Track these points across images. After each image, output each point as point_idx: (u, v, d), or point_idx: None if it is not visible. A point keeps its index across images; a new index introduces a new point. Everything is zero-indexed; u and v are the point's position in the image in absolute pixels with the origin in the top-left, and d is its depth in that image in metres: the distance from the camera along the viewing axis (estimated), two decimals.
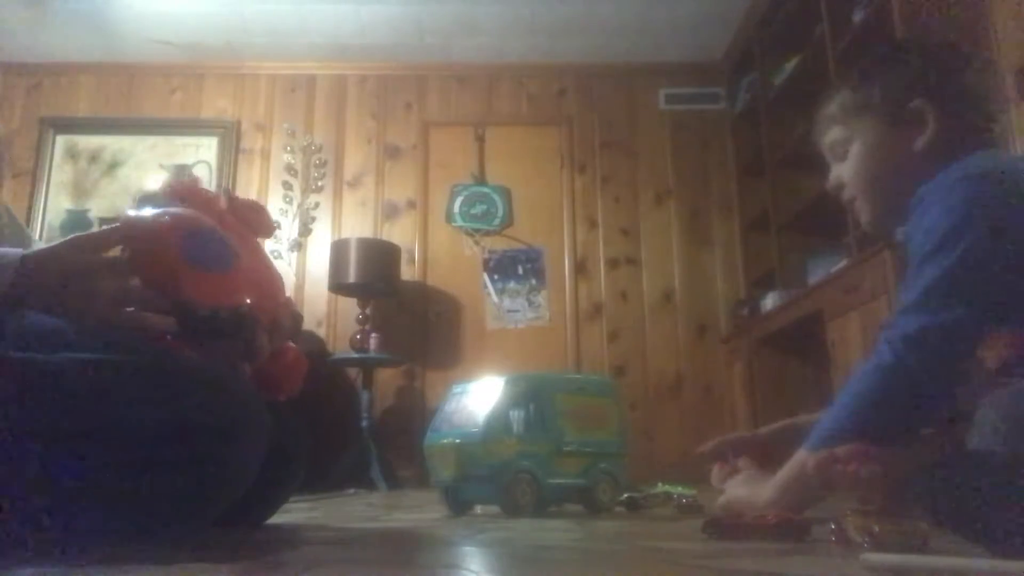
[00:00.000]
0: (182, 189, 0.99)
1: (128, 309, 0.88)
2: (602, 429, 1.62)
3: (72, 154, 4.39)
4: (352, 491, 3.15)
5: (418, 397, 4.07)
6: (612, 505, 1.60)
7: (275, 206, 4.34)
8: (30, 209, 4.24)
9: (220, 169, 4.36)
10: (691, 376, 4.14)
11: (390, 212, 4.35)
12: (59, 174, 4.34)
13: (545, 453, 1.51)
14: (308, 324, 4.05)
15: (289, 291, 4.19)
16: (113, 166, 4.34)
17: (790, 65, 3.63)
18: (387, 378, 4.05)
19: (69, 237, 0.88)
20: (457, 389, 1.66)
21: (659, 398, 4.11)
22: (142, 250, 0.88)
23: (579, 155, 4.43)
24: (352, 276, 3.71)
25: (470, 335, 4.18)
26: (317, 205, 4.35)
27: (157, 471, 0.82)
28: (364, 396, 3.68)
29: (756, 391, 3.63)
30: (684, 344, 4.19)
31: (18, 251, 0.87)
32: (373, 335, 3.73)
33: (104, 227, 0.92)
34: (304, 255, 4.28)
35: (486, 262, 4.27)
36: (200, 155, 4.39)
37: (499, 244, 4.30)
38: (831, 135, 1.11)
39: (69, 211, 4.30)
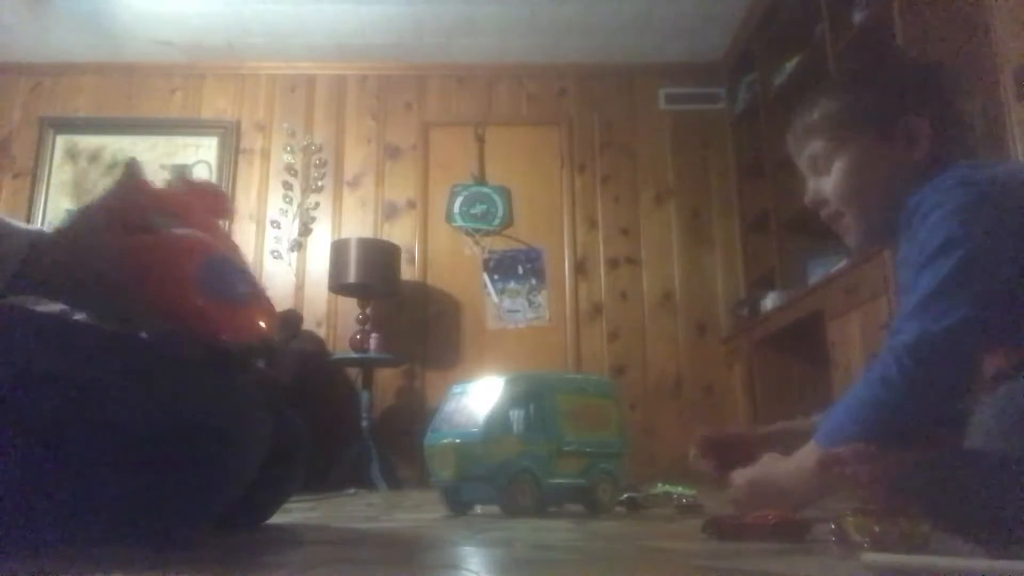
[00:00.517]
0: (172, 201, 0.97)
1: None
2: (602, 429, 1.62)
3: (72, 154, 4.39)
4: (352, 491, 3.15)
5: (418, 397, 4.07)
6: (612, 505, 1.60)
7: (275, 206, 4.34)
8: (30, 209, 4.24)
9: (220, 169, 4.36)
10: (691, 376, 4.14)
11: (390, 212, 4.35)
12: (59, 174, 4.33)
13: (545, 453, 1.51)
14: (308, 324, 4.05)
15: (289, 291, 4.19)
16: (113, 166, 4.33)
17: (790, 65, 3.63)
18: (387, 378, 4.05)
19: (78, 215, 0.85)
20: (457, 389, 1.66)
21: (659, 398, 4.10)
22: (158, 278, 0.85)
23: (579, 155, 4.43)
24: (352, 276, 3.71)
25: (470, 335, 4.18)
26: (317, 205, 4.35)
27: (157, 471, 0.82)
28: (364, 396, 3.68)
29: (756, 391, 3.63)
30: (684, 344, 4.19)
31: (28, 233, 0.84)
32: (373, 335, 3.73)
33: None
34: (304, 255, 4.28)
35: (486, 262, 4.27)
36: (200, 155, 4.39)
37: (499, 244, 4.30)
38: (812, 148, 1.07)
39: (69, 211, 4.30)
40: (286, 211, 4.33)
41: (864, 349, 2.57)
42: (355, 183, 4.39)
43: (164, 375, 0.86)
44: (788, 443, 1.14)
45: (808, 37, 3.43)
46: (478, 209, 4.33)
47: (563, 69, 4.52)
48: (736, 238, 4.27)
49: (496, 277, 4.25)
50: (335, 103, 4.50)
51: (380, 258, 3.81)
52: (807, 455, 0.96)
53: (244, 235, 4.27)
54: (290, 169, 4.38)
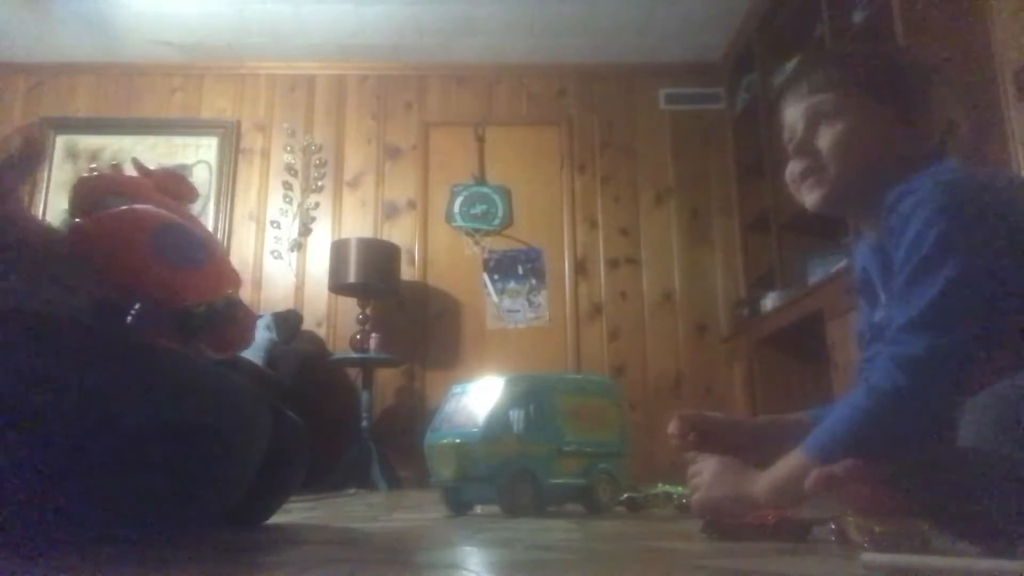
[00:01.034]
0: (121, 184, 0.97)
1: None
2: (602, 429, 1.62)
3: (72, 154, 4.39)
4: (352, 491, 3.15)
5: (418, 397, 4.07)
6: (612, 505, 1.60)
7: (275, 206, 4.34)
8: (30, 209, 4.24)
9: (220, 169, 4.36)
10: (691, 376, 4.14)
11: (390, 212, 4.35)
12: (59, 174, 4.33)
13: (545, 453, 1.51)
14: (308, 324, 4.05)
15: (289, 291, 4.19)
16: (113, 166, 4.33)
17: (790, 65, 3.63)
18: (387, 378, 4.05)
19: None
20: (457, 389, 1.66)
21: (659, 398, 4.10)
22: (109, 253, 0.86)
23: (579, 155, 4.43)
24: (352, 276, 3.71)
25: (470, 335, 4.18)
26: (317, 205, 4.35)
27: (157, 471, 0.82)
28: (364, 396, 3.68)
29: (756, 391, 3.63)
30: (684, 344, 4.19)
31: None
32: (373, 335, 3.73)
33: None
34: (304, 255, 4.28)
35: (486, 262, 4.27)
36: (200, 155, 4.39)
37: (499, 244, 4.30)
38: (820, 99, 1.05)
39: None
40: (286, 211, 4.33)
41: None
42: (355, 183, 4.39)
43: (163, 375, 0.86)
44: (776, 438, 1.13)
45: (808, 37, 3.43)
46: (478, 209, 4.33)
47: (563, 69, 4.52)
48: (736, 238, 4.27)
49: (496, 277, 4.25)
50: (335, 103, 4.50)
51: (380, 258, 3.81)
52: (789, 464, 0.93)
53: (244, 235, 4.27)
54: (290, 169, 4.38)
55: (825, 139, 1.04)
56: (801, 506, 0.94)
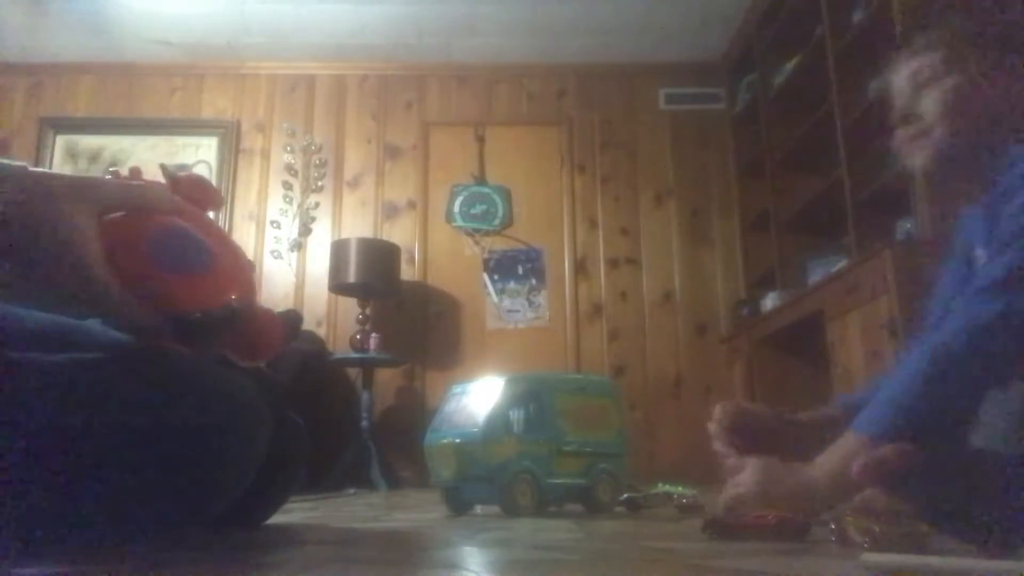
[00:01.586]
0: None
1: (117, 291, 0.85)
2: (602, 429, 1.62)
3: (72, 154, 4.39)
4: (352, 491, 3.15)
5: (418, 397, 4.07)
6: (612, 505, 1.60)
7: (275, 206, 4.35)
8: None
9: (220, 169, 4.36)
10: (691, 376, 4.14)
11: (390, 212, 4.35)
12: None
13: (545, 453, 1.51)
14: (308, 324, 4.05)
15: (289, 291, 4.19)
16: (113, 166, 4.34)
17: (790, 65, 3.63)
18: (387, 378, 4.05)
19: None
20: (457, 389, 1.66)
21: (659, 398, 4.10)
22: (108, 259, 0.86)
23: (579, 155, 4.43)
24: (352, 276, 3.71)
25: (470, 335, 4.18)
26: (317, 205, 4.35)
27: (156, 471, 0.82)
28: (364, 396, 3.68)
29: (756, 391, 3.62)
30: (684, 344, 4.19)
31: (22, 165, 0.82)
32: (373, 335, 3.73)
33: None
34: (304, 255, 4.29)
35: (486, 262, 4.27)
36: (200, 155, 4.39)
37: (499, 244, 4.30)
38: (924, 60, 1.02)
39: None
40: (286, 211, 4.33)
41: (864, 349, 2.57)
42: (355, 183, 4.39)
43: (162, 374, 0.86)
44: (815, 432, 1.06)
45: (808, 37, 3.43)
46: (478, 209, 4.33)
47: (563, 69, 4.52)
48: (736, 238, 4.27)
49: (496, 277, 4.25)
50: (335, 103, 4.50)
51: (380, 258, 3.81)
52: (844, 447, 0.87)
53: (244, 235, 4.27)
54: (290, 169, 4.39)
55: (930, 101, 1.02)
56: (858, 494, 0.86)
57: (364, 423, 3.63)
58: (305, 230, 4.31)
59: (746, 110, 4.18)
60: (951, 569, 0.60)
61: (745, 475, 0.98)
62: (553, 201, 4.37)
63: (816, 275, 3.27)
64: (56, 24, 4.11)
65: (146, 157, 4.38)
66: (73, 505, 0.79)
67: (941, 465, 0.72)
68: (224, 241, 1.07)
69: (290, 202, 4.35)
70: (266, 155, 4.43)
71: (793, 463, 0.96)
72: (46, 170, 0.85)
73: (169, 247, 0.86)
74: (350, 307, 4.00)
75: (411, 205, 4.35)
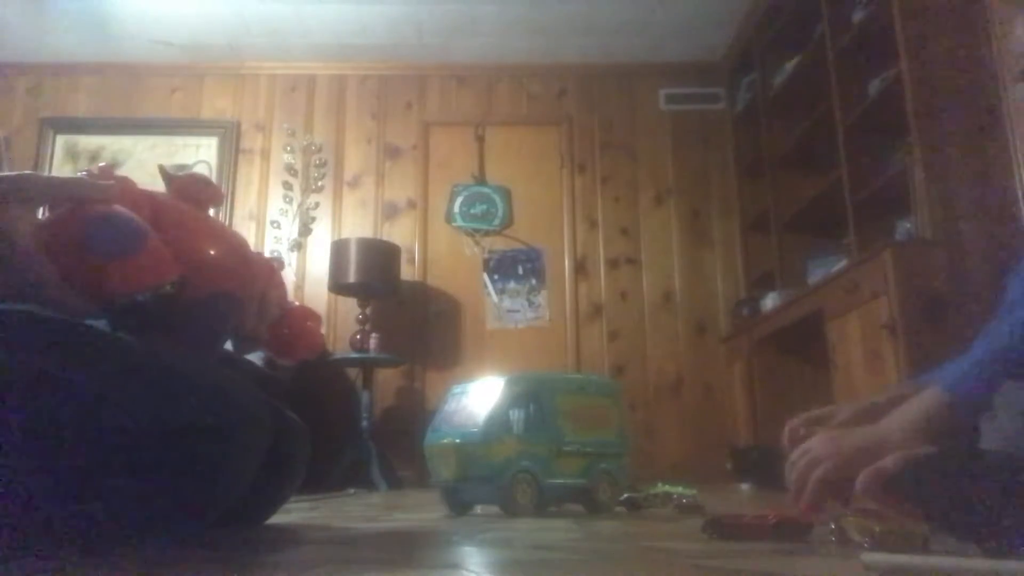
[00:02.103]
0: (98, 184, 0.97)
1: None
2: (602, 429, 1.62)
3: (72, 154, 4.39)
4: (352, 491, 3.15)
5: (418, 397, 4.07)
6: (612, 505, 1.60)
7: (275, 206, 4.35)
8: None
9: (220, 169, 4.36)
10: (691, 376, 4.14)
11: (390, 212, 4.35)
12: (59, 174, 4.33)
13: (545, 453, 1.51)
14: None
15: (289, 291, 4.18)
16: (113, 166, 4.33)
17: (790, 65, 3.64)
18: (387, 378, 4.05)
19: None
20: (457, 389, 1.66)
21: (659, 398, 4.11)
22: (50, 251, 0.86)
23: (579, 155, 4.43)
24: (352, 276, 3.71)
25: (470, 335, 4.18)
26: (317, 205, 4.35)
27: (156, 471, 0.82)
28: (364, 396, 3.68)
29: (756, 391, 3.63)
30: (684, 344, 4.19)
31: None
32: (373, 335, 3.74)
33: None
34: (304, 255, 4.29)
35: (486, 262, 4.27)
36: (200, 155, 4.39)
37: (499, 244, 4.30)
38: None
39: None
40: (286, 211, 4.33)
41: (864, 349, 2.57)
42: (355, 183, 4.39)
43: (162, 374, 0.86)
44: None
45: (808, 37, 3.43)
46: (478, 209, 4.33)
47: (563, 69, 4.52)
48: (736, 238, 4.27)
49: (496, 277, 4.25)
50: (335, 103, 4.50)
51: (380, 258, 3.81)
52: (925, 400, 0.81)
53: (244, 235, 4.26)
54: (290, 169, 4.39)
55: None
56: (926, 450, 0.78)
57: (364, 423, 3.63)
58: (305, 230, 4.31)
59: (746, 110, 4.18)
60: (951, 569, 0.60)
61: (811, 441, 0.89)
62: (553, 201, 4.37)
63: (816, 275, 3.27)
64: (56, 24, 4.11)
65: (146, 157, 4.38)
66: (73, 506, 0.79)
67: (942, 465, 0.72)
68: (215, 233, 1.06)
69: (290, 202, 4.35)
70: (266, 155, 4.43)
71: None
72: None
73: (105, 233, 0.86)
74: (350, 307, 4.00)
75: (411, 205, 4.35)
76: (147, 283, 0.88)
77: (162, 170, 1.08)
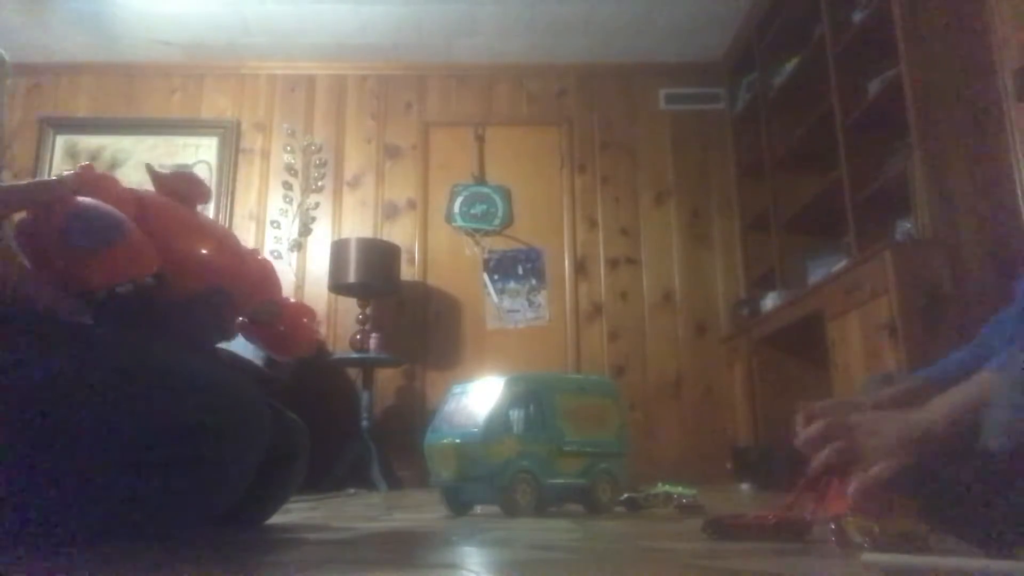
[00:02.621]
0: (72, 178, 0.97)
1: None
2: (602, 429, 1.62)
3: (72, 154, 4.39)
4: (352, 491, 3.15)
5: (418, 397, 4.07)
6: (612, 505, 1.60)
7: (275, 206, 4.34)
8: None
9: (220, 169, 4.36)
10: (691, 376, 4.14)
11: (390, 212, 4.35)
12: (59, 174, 4.33)
13: (545, 453, 1.51)
14: None
15: (289, 291, 4.19)
16: (113, 166, 4.34)
17: (790, 65, 3.63)
18: (387, 378, 4.05)
19: None
20: (457, 389, 1.66)
21: (659, 398, 4.10)
22: (27, 247, 0.86)
23: (579, 155, 4.43)
24: (352, 276, 3.71)
25: (470, 335, 4.18)
26: (317, 205, 4.35)
27: (157, 471, 0.82)
28: (364, 396, 3.68)
29: (756, 391, 3.63)
30: (684, 344, 4.19)
31: None
32: (373, 335, 3.73)
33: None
34: (304, 255, 4.28)
35: (486, 262, 4.27)
36: (200, 155, 4.39)
37: (499, 244, 4.30)
38: None
39: None
40: (286, 211, 4.33)
41: (864, 349, 2.57)
42: (355, 183, 4.39)
43: (162, 375, 0.86)
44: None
45: (808, 37, 3.43)
46: (478, 209, 4.33)
47: (563, 69, 4.52)
48: (736, 238, 4.27)
49: (496, 277, 4.25)
50: (335, 103, 4.50)
51: (380, 258, 3.81)
52: (971, 385, 0.76)
53: (244, 235, 4.27)
54: (290, 169, 4.38)
55: None
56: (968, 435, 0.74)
57: (364, 423, 3.63)
58: (305, 230, 4.31)
59: (746, 110, 4.18)
60: (951, 569, 0.60)
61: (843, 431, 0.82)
62: (553, 201, 4.36)
63: (816, 275, 3.27)
64: (56, 24, 4.11)
65: (146, 157, 4.37)
66: (73, 506, 0.79)
67: (942, 465, 0.72)
68: (186, 228, 1.06)
69: (290, 202, 4.35)
70: (266, 155, 4.43)
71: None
72: None
73: (80, 227, 0.86)
74: (350, 307, 4.00)
75: (411, 205, 4.35)
76: (126, 274, 0.88)
77: (149, 169, 1.09)
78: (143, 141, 4.40)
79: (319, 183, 4.37)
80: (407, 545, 0.95)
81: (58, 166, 4.35)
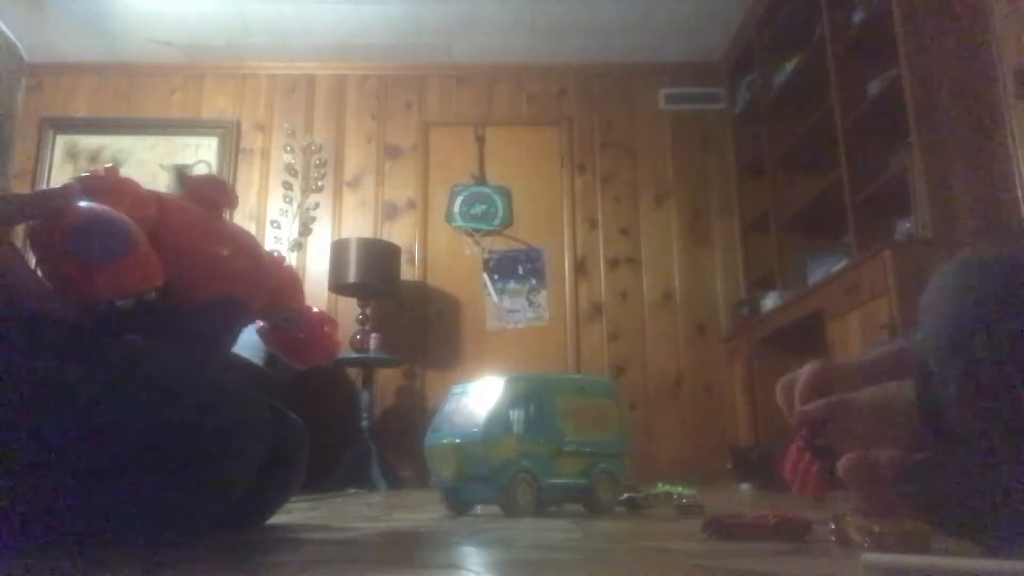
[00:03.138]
0: (92, 181, 0.96)
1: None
2: (602, 429, 1.62)
3: (72, 154, 4.39)
4: (352, 491, 3.15)
5: (418, 397, 4.07)
6: (612, 505, 1.60)
7: (275, 206, 4.34)
8: None
9: (220, 169, 4.35)
10: (691, 376, 4.14)
11: (390, 212, 4.35)
12: (59, 174, 4.33)
13: (545, 453, 1.51)
14: None
15: None
16: (96, 165, 4.34)
17: (790, 65, 3.63)
18: (387, 378, 4.05)
19: None
20: (457, 389, 1.66)
21: (659, 398, 4.10)
22: (37, 256, 0.86)
23: (579, 155, 4.43)
24: (352, 276, 3.71)
25: (470, 335, 4.18)
26: (317, 205, 4.35)
27: (157, 472, 0.82)
28: (364, 396, 3.68)
29: (756, 391, 3.63)
30: (684, 344, 4.19)
31: None
32: (373, 335, 3.73)
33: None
34: (304, 255, 4.28)
35: (486, 262, 4.27)
36: (200, 155, 4.39)
37: (499, 244, 4.30)
38: None
39: None
40: (286, 211, 4.33)
41: (864, 349, 2.57)
42: (355, 183, 4.39)
43: (162, 376, 0.86)
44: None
45: (808, 37, 3.43)
46: (478, 209, 4.33)
47: (563, 69, 4.52)
48: (736, 238, 4.27)
49: (496, 277, 4.25)
50: (335, 103, 4.50)
51: (380, 258, 3.81)
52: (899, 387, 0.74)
53: None
54: (290, 169, 4.38)
55: None
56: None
57: (364, 423, 3.63)
58: (305, 230, 4.31)
59: (746, 110, 4.18)
60: (951, 569, 0.60)
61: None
62: (553, 201, 4.36)
63: (816, 275, 3.27)
64: (56, 24, 4.11)
65: (146, 157, 4.38)
66: (73, 506, 0.79)
67: (941, 464, 0.72)
68: (207, 234, 1.06)
69: (290, 202, 4.35)
70: (266, 155, 4.43)
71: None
72: None
73: (88, 238, 0.85)
74: (350, 307, 4.00)
75: (411, 205, 4.35)
76: (127, 289, 0.88)
77: (179, 172, 1.09)
78: (143, 141, 4.40)
79: (319, 183, 4.37)
80: (407, 545, 0.94)
81: (58, 166, 4.35)
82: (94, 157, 4.37)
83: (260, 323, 1.16)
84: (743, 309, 4.00)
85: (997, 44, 2.49)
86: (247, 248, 1.09)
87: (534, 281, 4.26)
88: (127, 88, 4.49)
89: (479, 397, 1.55)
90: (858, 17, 2.95)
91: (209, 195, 1.08)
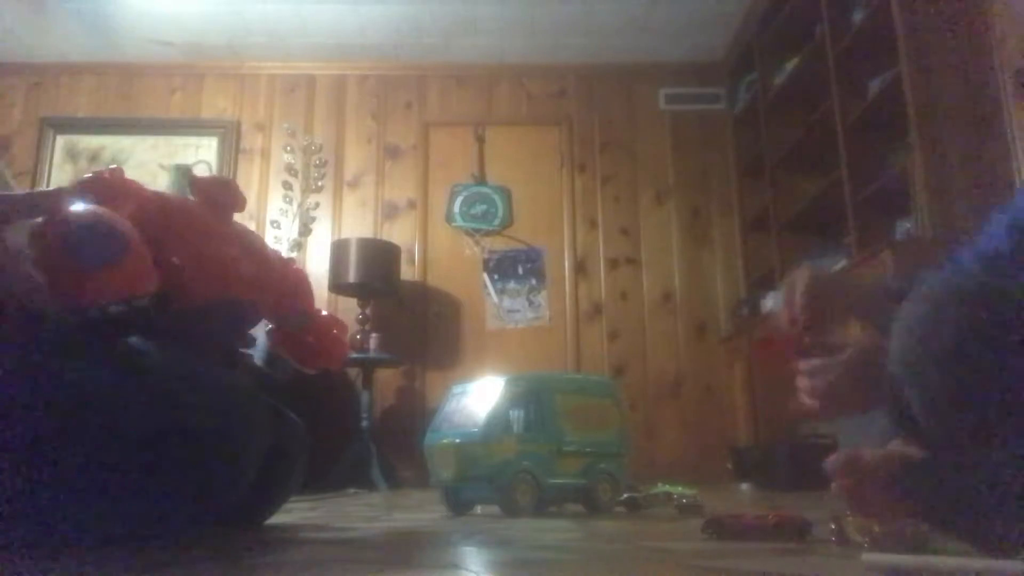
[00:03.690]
0: (96, 183, 0.96)
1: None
2: (602, 429, 1.62)
3: (72, 154, 4.39)
4: (352, 491, 3.15)
5: (418, 397, 4.07)
6: (612, 505, 1.60)
7: (275, 206, 4.34)
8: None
9: (220, 169, 4.35)
10: (691, 376, 4.13)
11: (390, 212, 4.35)
12: (59, 174, 4.33)
13: (545, 453, 1.51)
14: None
15: None
16: (97, 166, 4.34)
17: (790, 65, 3.63)
18: (387, 378, 4.05)
19: None
20: (457, 389, 1.66)
21: (659, 398, 4.10)
22: (33, 259, 0.85)
23: (579, 155, 4.43)
24: (352, 276, 3.71)
25: (470, 335, 4.18)
26: (317, 205, 4.35)
27: (157, 472, 0.82)
28: (364, 396, 3.68)
29: (756, 391, 3.62)
30: (684, 344, 4.19)
31: None
32: (373, 335, 3.73)
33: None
34: (304, 255, 4.28)
35: (486, 262, 4.27)
36: (200, 155, 4.39)
37: (499, 244, 4.30)
38: None
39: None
40: (286, 211, 4.33)
41: None
42: (355, 183, 4.39)
43: (161, 376, 0.86)
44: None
45: (808, 37, 3.43)
46: (478, 209, 4.33)
47: (563, 69, 4.52)
48: (736, 238, 4.27)
49: (496, 277, 4.25)
50: (335, 103, 4.50)
51: (380, 258, 3.81)
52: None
53: None
54: (290, 169, 4.38)
55: None
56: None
57: (364, 423, 3.63)
58: (305, 230, 4.31)
59: (746, 110, 4.18)
60: (951, 569, 0.60)
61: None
62: (553, 201, 4.36)
63: None
64: (56, 24, 4.11)
65: (146, 157, 4.38)
66: (74, 506, 0.79)
67: (941, 464, 0.72)
68: (233, 238, 1.06)
69: (290, 202, 4.35)
70: (266, 155, 4.43)
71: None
72: None
73: (82, 242, 0.84)
74: (350, 307, 3.99)
75: (411, 205, 4.35)
76: (118, 295, 0.87)
77: (188, 174, 1.09)
78: (143, 141, 4.40)
79: (319, 183, 4.37)
80: (407, 545, 0.95)
81: (58, 166, 4.35)
82: (94, 157, 4.37)
83: (269, 325, 1.16)
84: (743, 309, 4.00)
85: (997, 44, 2.49)
86: (254, 250, 1.09)
87: (534, 281, 4.26)
88: (127, 88, 4.49)
89: (479, 397, 1.55)
90: (858, 17, 2.95)
91: (216, 196, 1.08)
